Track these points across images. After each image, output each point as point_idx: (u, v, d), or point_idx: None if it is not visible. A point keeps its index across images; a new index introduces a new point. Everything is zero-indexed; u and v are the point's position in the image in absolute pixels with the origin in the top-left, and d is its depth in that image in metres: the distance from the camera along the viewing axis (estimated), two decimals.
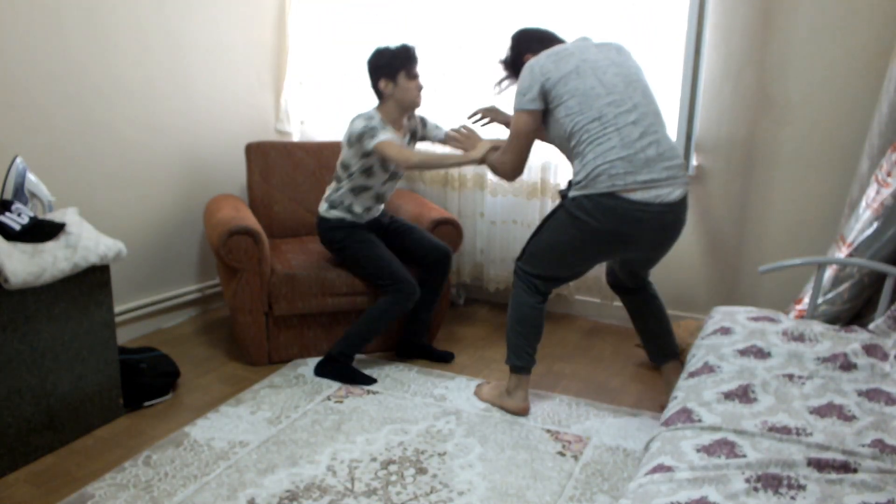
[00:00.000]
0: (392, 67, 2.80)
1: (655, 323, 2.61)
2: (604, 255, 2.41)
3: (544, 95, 2.28)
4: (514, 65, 2.52)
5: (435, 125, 3.05)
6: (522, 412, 2.54)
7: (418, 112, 2.99)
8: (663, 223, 2.24)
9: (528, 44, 2.49)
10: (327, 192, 2.99)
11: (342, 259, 2.97)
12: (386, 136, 2.75)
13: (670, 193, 2.20)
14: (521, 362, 2.52)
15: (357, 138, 2.79)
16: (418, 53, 2.85)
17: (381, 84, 2.83)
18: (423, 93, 2.86)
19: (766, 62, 3.01)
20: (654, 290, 2.63)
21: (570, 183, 2.30)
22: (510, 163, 2.44)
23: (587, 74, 2.24)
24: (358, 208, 2.92)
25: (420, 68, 2.85)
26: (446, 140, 2.98)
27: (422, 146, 3.16)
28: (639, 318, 2.65)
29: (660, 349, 2.62)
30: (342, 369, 2.82)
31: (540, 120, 2.34)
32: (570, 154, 2.30)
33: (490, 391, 2.65)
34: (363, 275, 2.93)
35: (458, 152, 2.85)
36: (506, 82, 2.60)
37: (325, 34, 3.76)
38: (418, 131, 3.01)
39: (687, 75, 3.02)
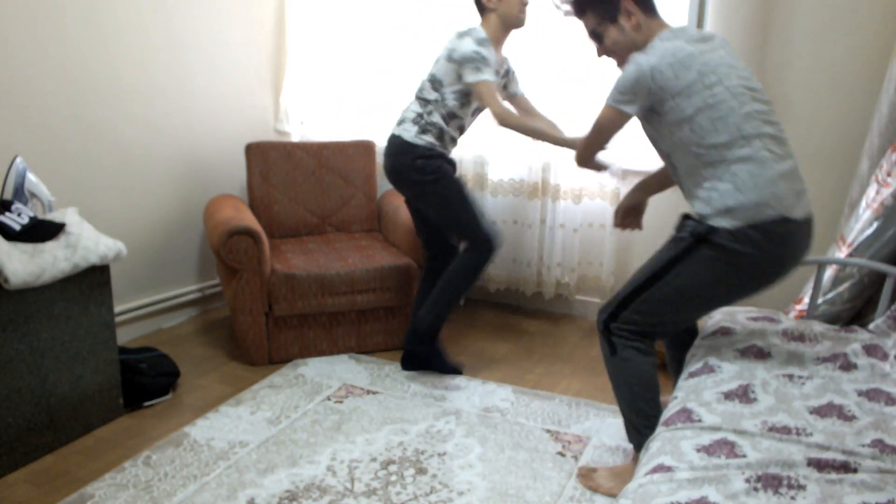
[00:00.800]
0: None
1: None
2: (756, 292, 1.96)
3: (652, 105, 1.91)
4: (605, 8, 2.03)
5: (517, 81, 2.83)
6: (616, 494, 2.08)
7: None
8: (808, 243, 1.93)
9: None
10: (410, 113, 2.69)
11: (426, 195, 2.68)
12: (491, 77, 2.51)
13: (808, 207, 1.91)
14: (650, 433, 1.94)
15: (462, 59, 2.52)
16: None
17: None
18: (526, 10, 2.58)
19: (766, 62, 3.01)
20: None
21: (697, 215, 1.93)
22: (582, 151, 2.13)
23: (713, 83, 1.86)
24: (447, 138, 2.67)
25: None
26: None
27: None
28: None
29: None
30: (429, 355, 2.74)
31: (625, 123, 1.99)
32: (697, 174, 1.91)
33: (607, 479, 2.12)
34: (447, 219, 2.72)
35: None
36: (568, 10, 2.16)
37: (324, 34, 3.76)
38: (510, 71, 2.79)
39: None
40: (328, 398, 2.66)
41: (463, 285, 2.73)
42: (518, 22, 2.62)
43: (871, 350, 1.95)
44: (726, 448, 1.49)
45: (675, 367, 2.28)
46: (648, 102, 1.91)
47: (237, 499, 2.04)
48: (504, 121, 2.50)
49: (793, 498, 1.32)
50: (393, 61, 3.64)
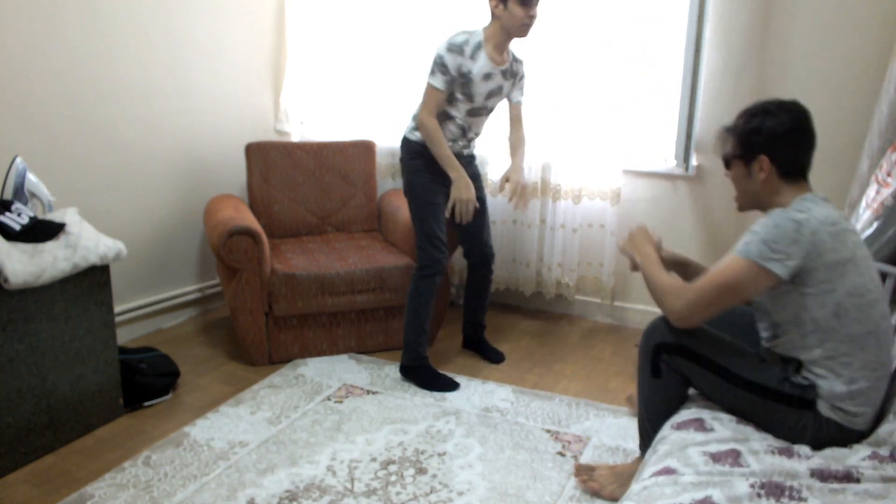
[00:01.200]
0: None
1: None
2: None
3: (800, 271, 1.67)
4: (744, 149, 1.83)
5: (521, 89, 2.86)
6: (617, 499, 2.05)
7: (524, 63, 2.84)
8: None
9: (775, 143, 1.77)
10: (416, 109, 2.78)
11: (405, 187, 2.84)
12: (437, 83, 2.63)
13: None
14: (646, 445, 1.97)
15: (437, 53, 2.66)
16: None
17: (493, 2, 2.64)
18: (532, 26, 2.64)
19: (766, 62, 3.01)
20: None
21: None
22: (700, 314, 1.76)
23: (865, 270, 1.70)
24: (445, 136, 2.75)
25: (540, 6, 2.65)
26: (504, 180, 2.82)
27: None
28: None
29: None
30: (419, 373, 2.80)
31: (768, 286, 1.71)
32: (809, 354, 1.71)
33: (611, 478, 2.11)
34: (410, 216, 2.86)
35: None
36: (726, 152, 1.91)
37: (324, 34, 3.76)
38: (517, 75, 2.81)
39: (687, 75, 3.01)
40: (328, 398, 2.66)
41: (419, 312, 2.77)
42: (519, 33, 2.67)
43: None
44: (731, 457, 1.49)
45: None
46: (800, 266, 1.66)
47: (237, 499, 2.04)
48: (421, 124, 2.68)
49: None
50: (393, 61, 3.64)
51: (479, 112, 2.78)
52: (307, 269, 2.93)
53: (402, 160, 2.86)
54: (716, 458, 1.49)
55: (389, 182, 3.75)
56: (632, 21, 3.16)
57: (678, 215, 3.30)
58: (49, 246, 2.20)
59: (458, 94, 2.70)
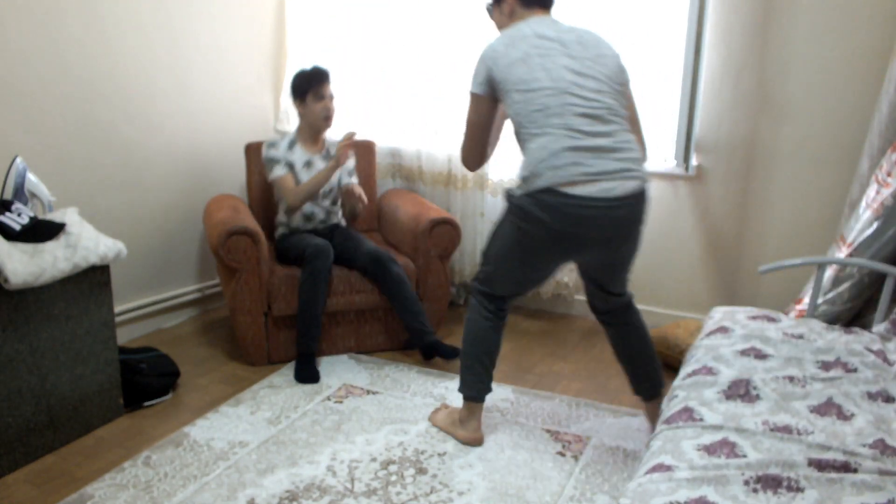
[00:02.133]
0: (302, 89, 3.00)
1: (636, 352, 2.33)
2: (555, 263, 2.16)
3: (491, 83, 2.08)
4: None
5: (350, 170, 3.20)
6: (474, 443, 2.35)
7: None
8: (614, 220, 2.00)
9: None
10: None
11: (290, 262, 2.98)
12: (278, 173, 2.99)
13: (618, 187, 1.97)
14: (471, 392, 2.33)
15: (265, 166, 3.06)
16: (331, 75, 3.04)
17: (296, 104, 3.05)
18: (330, 118, 3.02)
19: (766, 62, 3.01)
20: (634, 317, 2.33)
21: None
22: (464, 150, 2.24)
23: (534, 62, 2.02)
24: (293, 223, 3.11)
25: (333, 89, 3.00)
26: (344, 190, 3.12)
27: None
28: (618, 346, 2.36)
29: (644, 382, 2.35)
30: (297, 364, 2.85)
31: (491, 107, 2.14)
32: (521, 148, 2.10)
33: (444, 418, 2.46)
34: (297, 264, 2.93)
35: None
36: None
37: (324, 34, 3.76)
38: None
39: (687, 75, 3.01)
40: (328, 398, 2.66)
41: (304, 302, 2.83)
42: (318, 125, 3.06)
43: (871, 352, 1.95)
44: (727, 448, 1.49)
45: (615, 352, 2.41)
46: (493, 88, 2.09)
47: (237, 499, 2.04)
48: (294, 203, 3.01)
49: (791, 499, 1.32)
50: (393, 61, 3.64)
51: (319, 198, 3.08)
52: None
53: (282, 260, 3.03)
54: (710, 450, 1.49)
55: (389, 182, 3.75)
56: (632, 21, 3.16)
57: (678, 215, 3.30)
58: (49, 246, 2.20)
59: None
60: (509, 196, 2.07)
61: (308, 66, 3.05)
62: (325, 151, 3.15)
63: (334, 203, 3.18)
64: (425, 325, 2.94)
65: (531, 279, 2.24)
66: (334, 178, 3.10)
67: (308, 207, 3.08)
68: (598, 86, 2.02)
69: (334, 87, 3.10)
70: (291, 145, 3.06)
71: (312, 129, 3.07)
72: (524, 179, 2.01)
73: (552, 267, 2.19)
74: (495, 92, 2.10)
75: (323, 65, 3.51)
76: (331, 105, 3.03)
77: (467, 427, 2.36)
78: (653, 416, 2.33)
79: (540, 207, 1.97)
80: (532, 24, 2.09)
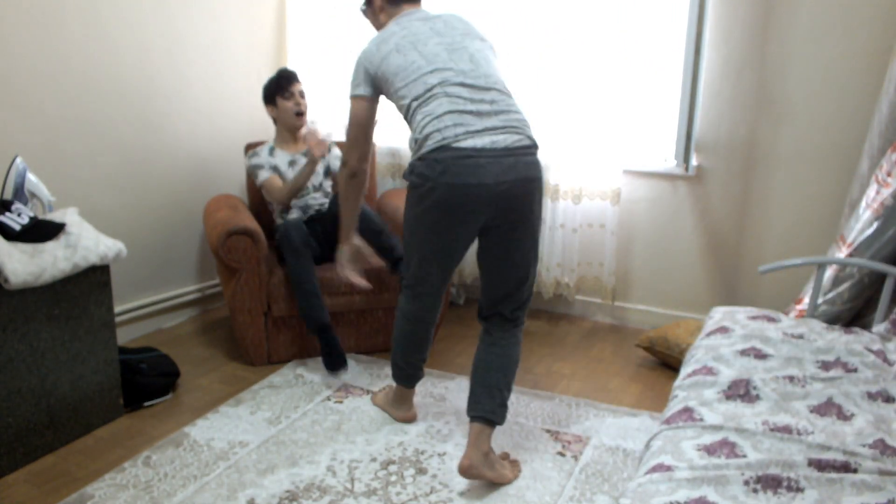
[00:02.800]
0: (271, 93, 3.08)
1: (485, 370, 2.20)
2: (454, 230, 2.09)
3: (372, 80, 2.21)
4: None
5: (337, 156, 3.21)
6: (408, 420, 2.48)
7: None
8: (504, 167, 1.99)
9: None
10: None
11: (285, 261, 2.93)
12: (263, 177, 3.04)
13: (505, 139, 2.00)
14: (396, 378, 2.46)
15: (250, 175, 3.14)
16: (296, 76, 3.07)
17: (268, 110, 3.12)
18: (303, 113, 3.07)
19: (766, 62, 3.02)
20: (513, 340, 2.23)
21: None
22: (347, 152, 2.31)
23: (407, 49, 2.15)
24: (290, 216, 3.10)
25: (300, 88, 3.05)
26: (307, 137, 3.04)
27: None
28: (478, 360, 2.25)
29: (474, 400, 2.19)
30: (323, 350, 2.81)
31: (372, 107, 2.26)
32: (410, 128, 2.16)
33: (382, 397, 2.61)
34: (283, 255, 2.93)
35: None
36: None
37: (324, 34, 3.76)
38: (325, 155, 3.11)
39: (687, 75, 3.02)
40: (328, 398, 2.66)
41: (297, 290, 2.82)
42: (292, 124, 3.12)
43: (871, 352, 1.95)
44: (727, 448, 1.49)
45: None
46: (373, 85, 2.22)
47: (237, 499, 2.04)
48: (281, 201, 3.06)
49: (791, 499, 1.32)
50: None
51: (302, 194, 3.10)
52: None
53: (283, 260, 2.93)
54: (710, 450, 1.49)
55: (389, 182, 3.75)
56: (632, 21, 3.16)
57: (678, 215, 3.30)
58: (49, 246, 2.20)
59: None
60: (405, 173, 2.14)
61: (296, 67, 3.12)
62: (307, 148, 3.10)
63: (326, 195, 3.19)
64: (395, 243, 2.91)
65: (440, 254, 2.17)
66: (321, 169, 3.14)
67: (301, 202, 3.11)
68: (470, 57, 2.14)
69: (334, 87, 3.11)
70: (271, 151, 3.13)
71: (288, 127, 3.13)
72: (415, 147, 2.09)
73: (457, 242, 2.13)
74: (378, 88, 2.23)
75: (323, 65, 3.53)
76: (302, 101, 3.09)
77: (401, 408, 2.51)
78: (471, 440, 2.12)
79: (432, 166, 2.01)
80: (401, 21, 2.24)
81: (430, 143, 2.02)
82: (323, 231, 3.00)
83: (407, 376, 2.44)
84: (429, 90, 2.08)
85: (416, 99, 2.10)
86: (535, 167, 2.08)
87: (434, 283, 2.26)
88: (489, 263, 2.21)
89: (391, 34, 2.21)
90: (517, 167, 2.02)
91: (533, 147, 2.08)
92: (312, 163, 2.94)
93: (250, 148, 3.37)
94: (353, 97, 2.25)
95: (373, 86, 2.22)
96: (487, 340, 2.24)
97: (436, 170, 2.00)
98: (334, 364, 2.77)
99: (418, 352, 2.39)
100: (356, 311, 3.03)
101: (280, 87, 3.06)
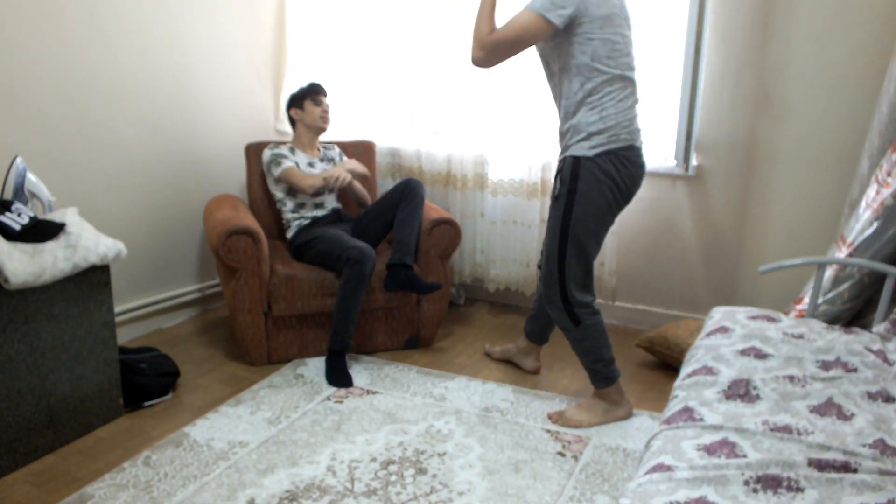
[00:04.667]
0: (300, 98, 3.17)
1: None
2: (614, 218, 2.40)
3: (573, 21, 2.18)
4: None
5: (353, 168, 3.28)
6: (632, 409, 2.56)
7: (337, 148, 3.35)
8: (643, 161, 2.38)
9: None
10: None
11: (312, 261, 2.99)
12: (288, 164, 3.08)
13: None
14: (615, 375, 2.52)
15: (267, 168, 3.13)
16: (332, 75, 3.27)
17: (292, 112, 3.20)
18: (327, 119, 3.18)
19: (766, 62, 3.02)
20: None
21: (565, 147, 2.32)
22: (494, 47, 2.22)
23: (620, 25, 2.24)
24: (307, 213, 3.17)
25: (328, 100, 3.17)
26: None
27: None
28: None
29: (544, 330, 2.85)
30: (329, 364, 2.83)
31: (548, 34, 2.21)
32: (577, 99, 2.25)
33: (596, 413, 2.51)
34: (325, 264, 2.93)
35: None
36: None
37: (324, 34, 3.76)
38: (336, 160, 3.30)
39: (687, 75, 3.02)
40: (328, 398, 2.66)
41: (348, 303, 2.83)
42: (318, 126, 3.22)
43: (872, 352, 1.95)
44: (727, 448, 1.49)
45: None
46: (570, 24, 2.20)
47: (237, 499, 2.04)
48: (309, 189, 3.07)
49: (791, 499, 1.32)
50: (394, 61, 3.64)
51: (320, 192, 3.16)
52: (307, 269, 2.93)
53: (298, 256, 3.09)
54: (710, 450, 1.49)
55: (389, 182, 3.75)
56: (632, 21, 3.15)
57: (678, 215, 3.30)
58: (49, 246, 2.20)
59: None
60: (582, 160, 2.28)
61: (304, 69, 3.20)
62: (323, 153, 3.29)
63: (338, 201, 3.30)
64: (412, 250, 2.96)
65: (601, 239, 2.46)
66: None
67: (316, 200, 3.19)
68: (630, 52, 2.40)
69: (334, 87, 3.13)
70: (292, 150, 3.19)
71: (311, 130, 3.20)
72: (595, 133, 2.28)
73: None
74: (570, 26, 2.23)
75: (323, 65, 3.55)
76: (328, 110, 3.20)
77: (624, 403, 2.56)
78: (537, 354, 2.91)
79: (623, 162, 2.33)
80: None
81: (622, 141, 2.25)
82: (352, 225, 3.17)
83: (616, 368, 2.52)
84: (624, 81, 2.26)
85: (611, 82, 2.23)
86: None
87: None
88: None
89: None
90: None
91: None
92: (329, 179, 3.03)
93: (250, 148, 3.37)
94: (544, 17, 2.16)
95: (569, 25, 2.19)
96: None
97: (625, 166, 2.28)
98: (341, 384, 2.78)
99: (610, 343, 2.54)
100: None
101: (309, 95, 3.16)
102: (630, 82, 2.29)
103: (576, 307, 2.39)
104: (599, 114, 2.22)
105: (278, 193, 3.18)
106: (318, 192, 3.13)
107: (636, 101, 2.32)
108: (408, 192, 3.04)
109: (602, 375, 2.48)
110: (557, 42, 2.25)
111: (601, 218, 2.32)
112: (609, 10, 2.21)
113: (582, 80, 2.22)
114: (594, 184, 2.24)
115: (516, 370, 2.96)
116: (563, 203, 2.29)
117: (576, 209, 2.27)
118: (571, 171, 2.26)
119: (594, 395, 2.54)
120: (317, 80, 3.26)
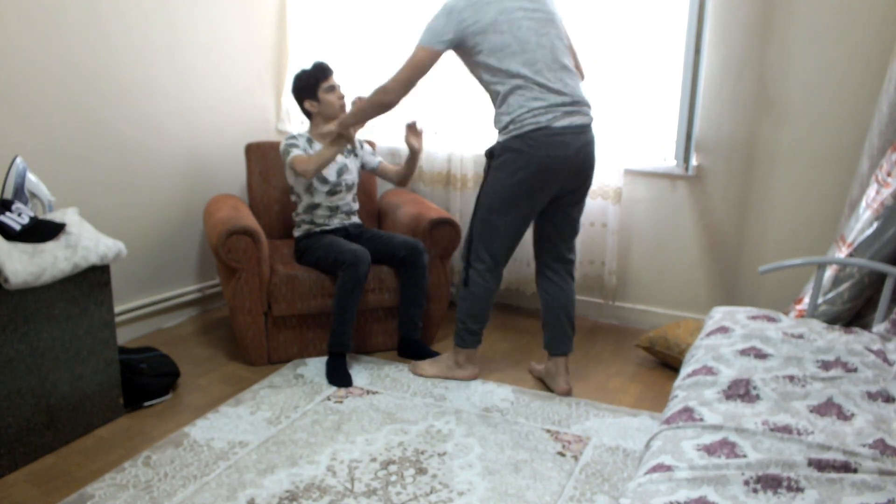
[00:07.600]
0: (311, 86, 3.02)
1: (560, 309, 2.78)
2: (543, 194, 2.53)
3: (458, 42, 2.45)
4: None
5: (370, 151, 3.26)
6: (474, 377, 2.83)
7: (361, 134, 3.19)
8: (581, 142, 2.48)
9: None
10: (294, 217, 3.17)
11: (310, 266, 2.97)
12: (297, 152, 2.94)
13: (581, 119, 2.47)
14: (471, 344, 2.79)
15: (283, 161, 3.01)
16: (332, 66, 3.06)
17: (307, 105, 3.06)
18: (344, 101, 3.03)
19: (766, 62, 3.02)
20: (569, 280, 2.82)
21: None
22: (396, 89, 2.55)
23: (504, 30, 2.40)
24: (318, 220, 3.10)
25: (337, 79, 3.05)
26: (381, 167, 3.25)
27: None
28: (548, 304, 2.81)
29: (553, 339, 2.79)
30: (329, 365, 2.84)
31: (438, 59, 2.50)
32: (495, 101, 2.51)
33: (439, 367, 2.84)
34: (323, 268, 2.93)
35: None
36: None
37: (325, 35, 3.76)
38: (356, 149, 3.19)
39: (687, 75, 3.01)
40: (328, 398, 2.66)
41: (343, 307, 2.83)
42: (338, 115, 3.07)
43: (871, 352, 1.95)
44: (727, 448, 1.49)
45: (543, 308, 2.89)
46: (456, 46, 2.47)
47: (237, 499, 2.04)
48: (306, 173, 2.88)
49: (791, 499, 1.32)
50: (394, 61, 3.63)
51: (337, 190, 3.07)
52: (308, 269, 2.93)
53: (298, 256, 3.07)
54: (710, 450, 1.49)
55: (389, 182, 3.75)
56: (632, 21, 3.15)
57: (678, 215, 3.30)
58: (49, 246, 2.20)
59: (316, 183, 3.02)
60: (497, 149, 2.55)
61: (306, 65, 3.07)
62: (346, 150, 3.17)
63: (355, 200, 3.22)
64: (419, 321, 3.04)
65: (526, 221, 2.68)
66: (354, 167, 3.15)
67: (332, 202, 3.08)
68: (551, 46, 2.52)
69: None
70: (309, 142, 3.06)
71: (329, 121, 3.07)
72: (508, 125, 2.51)
73: (541, 202, 2.62)
74: (458, 48, 2.53)
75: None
76: (343, 95, 3.07)
77: (467, 368, 2.84)
78: (549, 370, 2.84)
79: (528, 142, 2.48)
80: None
81: (528, 126, 2.40)
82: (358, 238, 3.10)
83: (478, 339, 2.78)
84: (524, 78, 2.40)
85: (507, 83, 2.42)
86: (594, 144, 2.56)
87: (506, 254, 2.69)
88: (557, 220, 2.69)
89: (486, 2, 2.41)
90: (588, 144, 2.52)
91: (590, 123, 2.52)
92: (336, 143, 2.83)
93: (251, 148, 3.37)
94: (429, 48, 2.47)
95: (455, 46, 2.47)
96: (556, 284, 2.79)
97: (536, 144, 2.41)
98: (341, 384, 2.78)
99: (489, 317, 2.78)
100: (357, 312, 3.03)
101: (320, 81, 3.01)
102: (527, 79, 2.41)
103: (470, 270, 2.67)
104: (507, 109, 2.44)
105: (296, 185, 3.06)
106: (331, 183, 3.03)
107: (548, 90, 2.42)
108: (411, 261, 2.94)
109: (461, 337, 2.76)
110: (464, 62, 2.56)
111: (508, 193, 2.51)
112: (493, 16, 2.40)
113: (492, 85, 2.48)
114: (504, 163, 2.48)
115: (516, 370, 2.97)
116: (483, 181, 2.60)
117: (487, 185, 2.56)
118: (492, 155, 2.54)
119: (450, 351, 2.86)
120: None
